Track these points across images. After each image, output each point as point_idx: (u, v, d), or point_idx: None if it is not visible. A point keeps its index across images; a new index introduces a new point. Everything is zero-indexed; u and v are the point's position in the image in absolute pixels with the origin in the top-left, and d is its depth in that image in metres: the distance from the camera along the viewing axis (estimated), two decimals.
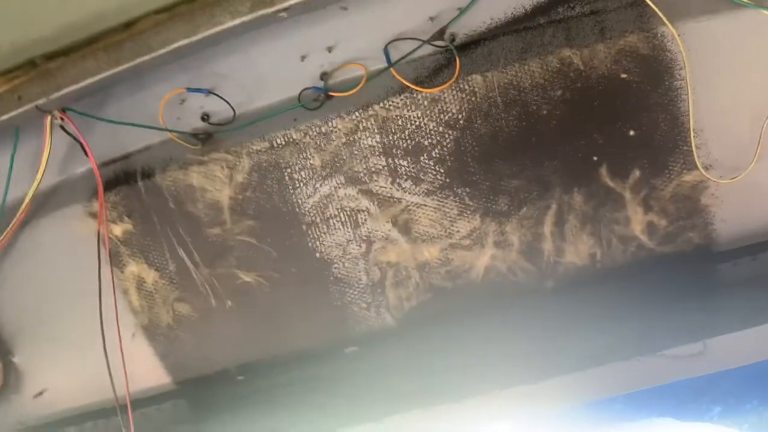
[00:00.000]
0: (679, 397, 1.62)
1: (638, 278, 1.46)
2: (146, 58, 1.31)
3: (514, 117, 1.43)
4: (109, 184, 1.56)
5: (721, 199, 1.44)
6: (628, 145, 1.42)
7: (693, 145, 1.40)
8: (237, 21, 1.26)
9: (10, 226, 1.56)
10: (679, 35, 1.33)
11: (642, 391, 1.43)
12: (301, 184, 1.52)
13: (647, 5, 1.32)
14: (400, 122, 1.46)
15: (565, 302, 1.47)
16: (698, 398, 1.60)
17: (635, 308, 1.40)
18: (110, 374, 1.45)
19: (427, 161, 1.48)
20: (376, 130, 1.47)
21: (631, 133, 1.41)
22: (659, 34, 1.35)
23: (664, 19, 1.32)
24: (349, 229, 1.54)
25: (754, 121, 1.38)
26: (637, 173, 1.43)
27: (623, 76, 1.38)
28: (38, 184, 1.48)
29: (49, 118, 1.40)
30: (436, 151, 1.47)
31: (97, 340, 1.52)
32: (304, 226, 1.55)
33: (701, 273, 1.45)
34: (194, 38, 1.28)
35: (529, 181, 1.46)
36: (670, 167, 1.42)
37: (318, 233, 1.55)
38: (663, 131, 1.40)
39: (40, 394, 1.74)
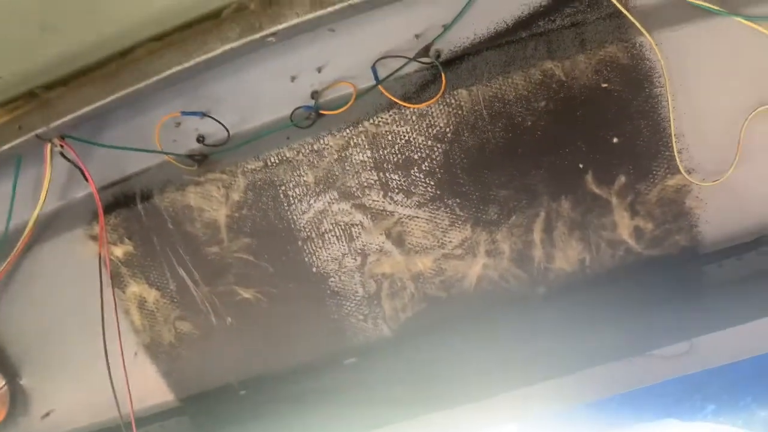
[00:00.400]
0: (674, 395, 1.65)
1: (627, 281, 1.49)
2: (142, 84, 1.35)
3: (500, 129, 1.47)
4: (109, 207, 1.61)
5: (705, 201, 1.48)
6: (612, 152, 1.46)
7: (675, 150, 1.43)
8: (227, 47, 1.31)
9: (14, 251, 1.60)
10: (656, 44, 1.38)
11: (637, 391, 1.45)
12: (296, 201, 1.56)
13: (625, 16, 1.37)
14: (389, 137, 1.50)
15: (556, 307, 1.50)
16: (692, 396, 1.63)
17: (625, 311, 1.43)
18: (114, 393, 1.48)
19: (417, 174, 1.52)
20: (366, 146, 1.51)
21: (615, 140, 1.45)
22: (638, 44, 1.39)
23: (642, 29, 1.37)
24: (344, 243, 1.58)
25: (732, 125, 1.42)
26: (622, 179, 1.47)
27: (604, 85, 1.42)
28: (40, 210, 1.53)
29: (49, 145, 1.45)
30: (426, 164, 1.51)
31: (101, 360, 1.56)
32: (299, 242, 1.58)
33: (688, 275, 1.48)
34: (187, 64, 1.33)
35: (518, 190, 1.50)
36: (654, 172, 1.46)
37: (314, 248, 1.59)
38: (645, 137, 1.44)
39: (47, 415, 1.76)
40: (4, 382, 1.73)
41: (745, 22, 1.34)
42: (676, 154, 1.43)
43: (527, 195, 1.50)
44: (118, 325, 1.53)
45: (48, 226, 1.64)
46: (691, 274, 1.48)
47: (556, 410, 1.43)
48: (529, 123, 1.45)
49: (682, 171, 1.45)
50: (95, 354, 1.55)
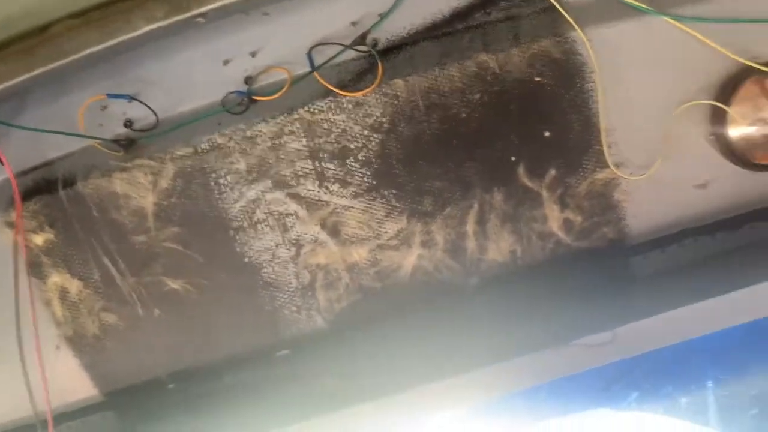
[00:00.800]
0: (599, 384, 1.70)
1: (557, 273, 1.52)
2: (60, 63, 1.28)
3: (435, 120, 1.47)
4: (29, 193, 1.52)
5: (632, 195, 1.52)
6: (543, 146, 1.48)
7: (604, 144, 1.47)
8: (153, 26, 1.25)
9: None
10: (588, 40, 1.40)
11: (566, 381, 1.49)
12: (228, 189, 1.52)
13: (559, 12, 1.39)
14: (325, 126, 1.48)
15: (488, 298, 1.52)
16: (616, 385, 1.68)
17: (553, 301, 1.46)
18: (29, 388, 1.41)
19: (353, 164, 1.50)
20: (301, 134, 1.48)
21: (547, 134, 1.47)
22: (570, 39, 1.41)
23: (575, 24, 1.39)
24: (278, 233, 1.55)
25: (659, 121, 1.46)
26: (553, 172, 1.50)
27: (537, 79, 1.44)
28: None
29: None
30: (362, 154, 1.49)
31: (16, 353, 1.48)
32: (231, 231, 1.54)
33: (615, 266, 1.52)
34: (109, 43, 1.26)
35: (452, 182, 1.51)
36: (584, 166, 1.49)
37: (246, 238, 1.55)
38: (576, 131, 1.47)
39: None
40: None
41: (672, 21, 1.38)
42: (605, 148, 1.47)
43: (461, 187, 1.51)
44: (34, 316, 1.46)
45: None
46: (618, 265, 1.53)
47: (485, 399, 1.45)
48: (464, 115, 1.46)
49: (611, 165, 1.48)
50: (10, 347, 1.47)
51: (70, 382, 1.63)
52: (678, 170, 1.50)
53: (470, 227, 1.53)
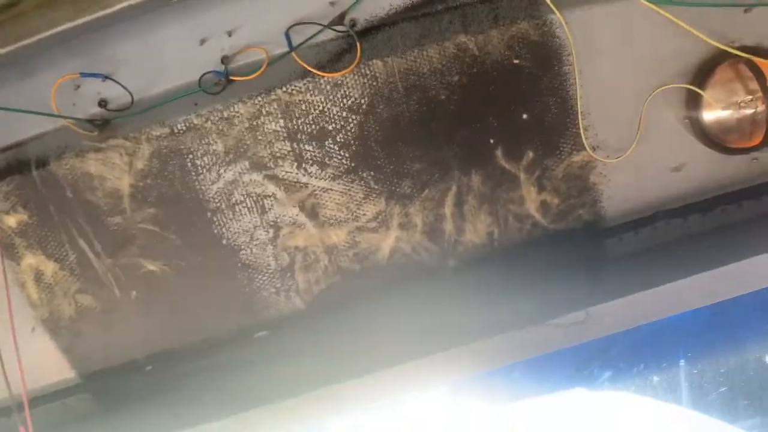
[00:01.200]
0: (573, 364, 1.73)
1: (533, 254, 1.53)
2: (31, 40, 1.26)
3: (414, 102, 1.47)
4: (0, 174, 1.50)
5: (608, 177, 1.54)
6: (521, 128, 1.48)
7: (581, 127, 1.48)
8: (125, 4, 1.23)
9: None
10: (566, 23, 1.41)
11: (540, 360, 1.51)
12: (204, 171, 1.51)
13: None
14: (303, 107, 1.47)
15: (465, 279, 1.53)
16: (590, 364, 1.72)
17: (529, 282, 1.48)
18: (3, 371, 1.40)
19: (331, 146, 1.50)
20: (279, 115, 1.47)
21: (525, 116, 1.48)
22: (548, 21, 1.42)
23: (552, 7, 1.39)
24: (256, 215, 1.54)
25: (635, 104, 1.48)
26: (530, 155, 1.50)
27: (516, 61, 1.44)
28: None
29: None
30: (341, 135, 1.49)
31: None
32: (209, 213, 1.53)
33: (590, 248, 1.55)
34: (82, 20, 1.24)
35: (431, 164, 1.51)
36: (561, 148, 1.50)
37: (224, 220, 1.54)
38: (554, 114, 1.48)
39: None
40: None
41: (649, 5, 1.39)
42: (582, 131, 1.48)
43: (440, 169, 1.51)
44: (8, 298, 1.44)
45: None
46: (593, 247, 1.55)
47: (462, 378, 1.46)
48: (443, 97, 1.46)
49: (587, 148, 1.49)
50: None
51: (47, 364, 1.62)
52: (653, 153, 1.52)
53: (448, 209, 1.54)
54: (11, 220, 1.52)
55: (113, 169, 1.50)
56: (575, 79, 1.44)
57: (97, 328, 1.61)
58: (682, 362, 1.91)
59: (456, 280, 1.54)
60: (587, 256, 1.55)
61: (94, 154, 1.48)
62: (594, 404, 1.91)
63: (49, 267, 1.56)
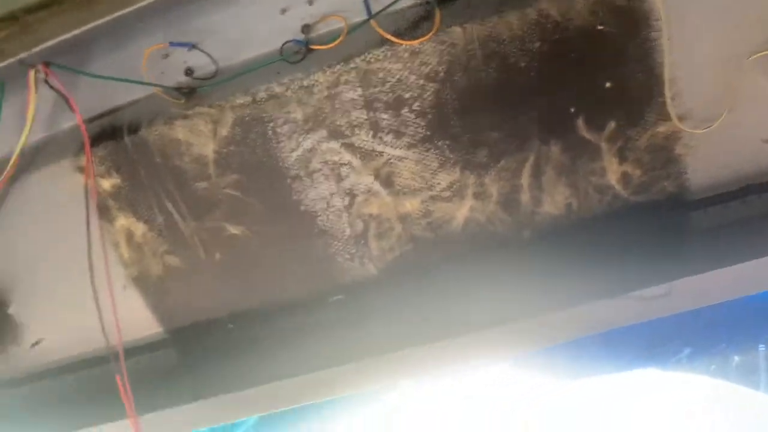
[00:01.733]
0: (652, 339, 1.69)
1: (613, 226, 1.50)
2: (127, 11, 1.32)
3: (493, 69, 1.45)
4: (96, 139, 1.58)
5: (695, 148, 1.47)
6: (604, 97, 1.44)
7: (668, 96, 1.42)
8: None
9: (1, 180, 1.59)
10: None
11: (610, 336, 1.49)
12: (284, 138, 1.55)
13: None
14: (381, 75, 1.48)
15: (540, 250, 1.52)
16: (670, 340, 1.67)
17: (608, 255, 1.45)
18: (102, 324, 1.50)
19: (408, 114, 1.50)
20: (357, 84, 1.49)
21: (608, 84, 1.43)
22: None
23: None
24: (333, 183, 1.58)
25: (727, 72, 1.40)
26: (612, 124, 1.46)
27: (600, 27, 1.39)
28: (26, 139, 1.51)
29: (32, 72, 1.42)
30: (417, 104, 1.49)
31: (89, 291, 1.58)
32: (288, 180, 1.58)
33: (674, 221, 1.49)
34: None
35: (508, 134, 1.49)
36: (646, 118, 1.45)
37: (302, 187, 1.58)
38: (639, 82, 1.42)
39: (37, 343, 1.80)
40: None
41: None
42: (668, 100, 1.42)
43: (518, 138, 1.49)
44: (105, 257, 1.54)
45: (35, 157, 1.63)
46: (677, 219, 1.50)
47: (535, 349, 1.46)
48: (523, 64, 1.43)
49: (674, 118, 1.44)
50: (84, 285, 1.56)
51: (136, 319, 1.73)
52: (744, 123, 1.44)
53: (525, 179, 1.52)
54: (106, 184, 1.62)
55: (199, 136, 1.56)
56: (663, 45, 1.38)
57: (182, 288, 1.70)
58: (762, 347, 1.83)
59: (531, 252, 1.53)
60: (670, 228, 1.50)
61: (181, 121, 1.55)
62: (666, 385, 1.87)
63: (139, 228, 1.65)
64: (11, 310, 1.77)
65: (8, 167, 1.56)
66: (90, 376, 1.77)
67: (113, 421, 1.57)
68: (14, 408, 1.83)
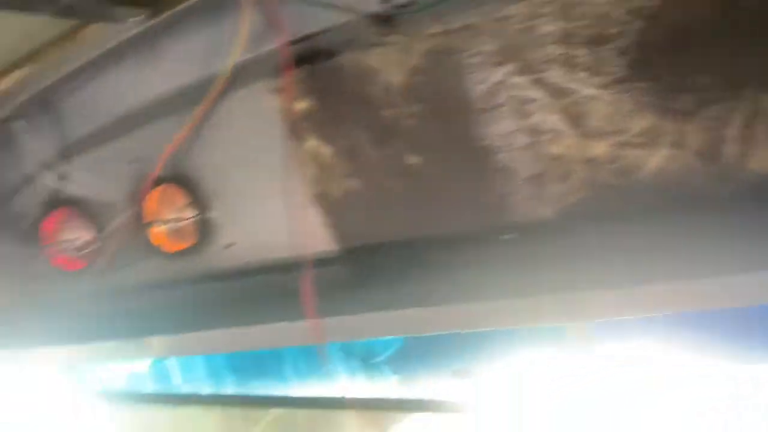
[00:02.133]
0: None
1: None
2: None
3: (709, 4, 1.31)
4: (296, 63, 1.68)
5: None
6: None
7: None
8: None
9: (209, 96, 1.75)
10: None
11: None
12: (473, 71, 1.53)
13: None
14: (583, 9, 1.40)
15: (740, 210, 1.39)
16: None
17: None
18: (289, 235, 1.63)
19: (606, 52, 1.41)
20: (556, 16, 1.42)
21: None
22: None
23: None
24: (518, 119, 1.55)
25: None
26: None
27: None
28: (236, 58, 1.64)
29: None
30: (619, 41, 1.40)
31: (278, 204, 1.71)
32: (472, 113, 1.57)
33: None
34: None
35: (719, 80, 1.35)
36: None
37: (486, 121, 1.57)
38: None
39: (229, 246, 2.00)
40: (196, 213, 1.97)
41: None
42: None
43: (728, 86, 1.35)
44: (295, 174, 1.65)
45: (238, 77, 1.77)
46: None
47: (726, 305, 1.35)
48: (755, 3, 1.28)
49: None
50: (274, 198, 1.70)
51: (315, 235, 1.85)
52: None
53: (732, 131, 1.38)
54: (301, 105, 1.72)
55: (390, 64, 1.59)
56: None
57: (360, 210, 1.78)
58: None
59: (728, 211, 1.41)
60: None
61: (375, 49, 1.59)
62: None
63: (327, 150, 1.75)
64: (212, 215, 1.98)
65: (217, 83, 1.72)
66: (271, 281, 1.94)
67: (291, 321, 1.70)
68: (206, 301, 2.06)
